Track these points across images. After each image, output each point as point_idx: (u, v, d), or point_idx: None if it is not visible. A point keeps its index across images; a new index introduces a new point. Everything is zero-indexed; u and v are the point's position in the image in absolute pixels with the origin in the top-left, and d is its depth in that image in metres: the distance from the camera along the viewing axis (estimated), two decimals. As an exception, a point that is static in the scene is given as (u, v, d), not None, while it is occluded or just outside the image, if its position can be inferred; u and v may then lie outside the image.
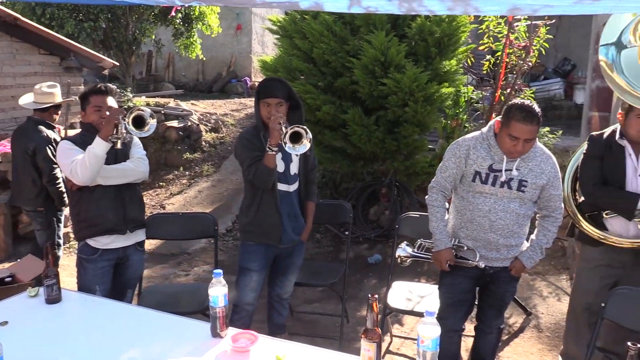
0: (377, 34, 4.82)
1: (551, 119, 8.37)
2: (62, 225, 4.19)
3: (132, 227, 2.81)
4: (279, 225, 2.87)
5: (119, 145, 2.60)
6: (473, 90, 5.67)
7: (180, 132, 8.06)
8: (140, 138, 2.76)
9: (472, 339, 2.99)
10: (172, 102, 8.90)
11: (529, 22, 4.71)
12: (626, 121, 2.69)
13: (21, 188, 4.03)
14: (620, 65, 2.74)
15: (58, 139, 3.92)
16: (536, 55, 4.94)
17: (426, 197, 2.75)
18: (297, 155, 2.87)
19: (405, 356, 3.43)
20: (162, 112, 8.22)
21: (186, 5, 2.13)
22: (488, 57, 5.12)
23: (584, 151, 2.86)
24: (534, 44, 4.81)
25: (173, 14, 9.70)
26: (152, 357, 1.94)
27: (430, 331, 1.69)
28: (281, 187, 2.87)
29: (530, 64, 4.97)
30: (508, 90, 4.98)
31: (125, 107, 7.17)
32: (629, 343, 1.55)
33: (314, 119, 5.17)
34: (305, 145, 2.59)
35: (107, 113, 2.63)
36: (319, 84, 5.30)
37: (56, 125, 4.18)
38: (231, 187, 7.13)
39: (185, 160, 7.89)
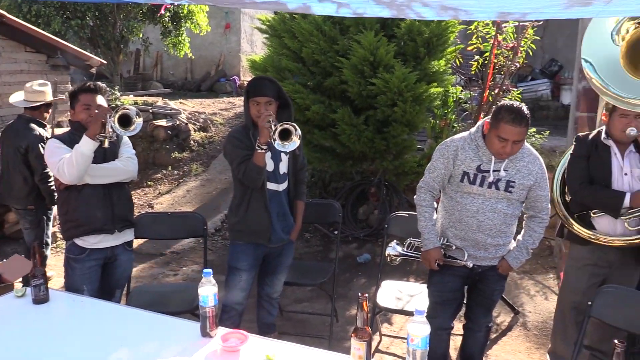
0: (366, 34, 4.84)
1: (538, 120, 8.45)
2: (51, 224, 4.18)
3: (121, 226, 2.79)
4: (268, 225, 2.86)
5: (106, 144, 2.58)
6: (461, 91, 5.70)
7: (168, 131, 8.02)
8: (129, 137, 2.74)
9: (460, 338, 3.01)
10: (160, 101, 8.84)
11: (516, 24, 4.75)
12: (610, 121, 2.75)
13: (11, 186, 4.00)
14: (598, 65, 2.77)
15: (50, 137, 3.90)
16: (524, 56, 4.98)
17: (414, 197, 2.76)
18: (286, 154, 2.88)
19: (394, 355, 3.44)
20: (150, 111, 8.17)
21: (176, 3, 2.12)
22: (476, 57, 5.15)
23: (571, 152, 2.91)
24: (521, 45, 4.85)
25: (162, 12, 9.64)
26: (142, 358, 1.93)
27: (420, 330, 1.70)
28: (270, 186, 2.86)
29: (517, 64, 5.01)
30: (496, 91, 5.02)
31: (113, 105, 7.11)
32: (615, 341, 1.57)
33: (303, 119, 5.17)
34: (295, 142, 2.60)
35: (96, 112, 2.61)
36: (308, 84, 5.30)
37: (46, 124, 4.17)
38: (220, 186, 7.11)
39: (174, 160, 7.84)
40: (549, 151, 6.12)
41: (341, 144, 5.17)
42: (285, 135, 2.58)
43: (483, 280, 2.72)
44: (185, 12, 10.34)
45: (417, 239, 2.94)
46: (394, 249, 3.03)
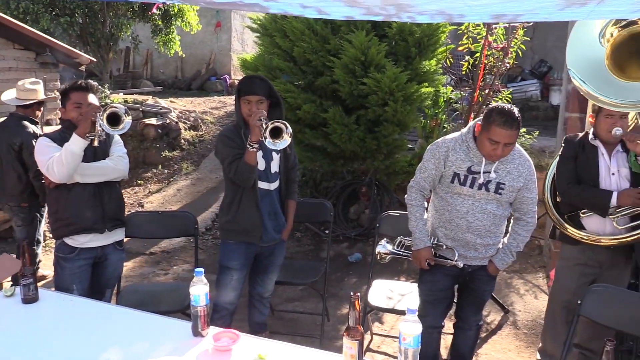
0: (357, 34, 4.84)
1: (528, 120, 8.50)
2: (44, 222, 4.18)
3: (111, 226, 2.77)
4: (260, 224, 2.86)
5: (96, 143, 2.56)
6: (452, 91, 5.73)
7: (158, 130, 7.98)
8: (119, 135, 2.73)
9: (451, 337, 3.02)
10: (150, 100, 8.79)
11: (507, 25, 4.78)
12: (596, 122, 2.78)
13: (5, 184, 4.00)
14: (583, 70, 2.80)
15: (46, 131, 3.91)
16: (514, 56, 5.02)
17: (405, 196, 2.77)
18: (277, 152, 2.87)
19: (385, 354, 3.45)
20: (141, 109, 8.12)
21: (168, 3, 2.11)
22: (467, 57, 5.18)
23: (559, 153, 2.94)
24: (511, 45, 4.88)
25: (154, 11, 9.59)
26: (133, 357, 1.92)
27: (411, 329, 1.70)
28: (262, 185, 2.86)
29: (508, 65, 5.04)
30: (486, 91, 5.05)
31: (103, 104, 7.07)
32: (605, 339, 1.59)
33: (295, 118, 5.17)
34: (286, 140, 2.59)
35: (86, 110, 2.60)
36: (299, 83, 5.30)
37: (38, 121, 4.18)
38: (211, 185, 7.09)
39: (164, 159, 7.81)
40: (539, 151, 6.17)
41: (332, 144, 5.17)
42: (276, 133, 2.58)
43: (473, 280, 2.73)
44: (175, 11, 10.29)
45: (407, 238, 2.95)
46: (384, 247, 3.04)
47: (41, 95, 4.14)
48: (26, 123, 3.99)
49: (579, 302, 2.37)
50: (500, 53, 4.92)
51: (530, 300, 4.25)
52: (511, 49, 4.90)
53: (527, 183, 2.57)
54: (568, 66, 2.81)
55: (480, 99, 5.07)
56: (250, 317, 3.16)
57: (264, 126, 2.54)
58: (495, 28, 4.84)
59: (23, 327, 2.15)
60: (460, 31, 5.00)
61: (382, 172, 5.54)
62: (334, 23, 5.20)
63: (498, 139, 2.39)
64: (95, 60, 8.27)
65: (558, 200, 2.98)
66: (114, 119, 2.54)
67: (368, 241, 5.42)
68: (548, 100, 10.02)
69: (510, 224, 2.71)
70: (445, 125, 5.71)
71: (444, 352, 3.23)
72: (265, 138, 2.54)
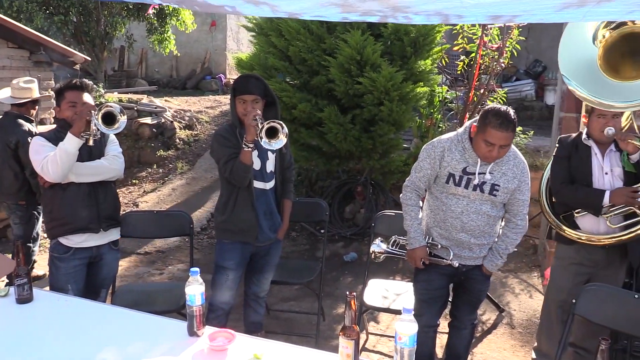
0: (353, 33, 4.84)
1: (523, 120, 8.48)
2: (41, 219, 4.19)
3: (106, 225, 2.76)
4: (255, 223, 2.85)
5: (91, 142, 2.55)
6: (447, 90, 5.74)
7: (153, 129, 7.96)
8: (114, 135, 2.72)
9: (446, 336, 3.03)
10: (145, 99, 8.77)
11: (501, 25, 4.79)
12: (589, 122, 2.81)
13: (1, 182, 4.02)
14: (575, 73, 2.81)
15: (40, 130, 3.93)
16: (509, 56, 5.04)
17: (400, 195, 2.77)
18: (273, 152, 2.87)
19: (381, 353, 3.46)
20: (135, 108, 8.10)
21: (164, 4, 2.10)
22: (462, 57, 5.19)
23: (554, 154, 2.96)
24: (506, 45, 4.90)
25: (150, 12, 9.55)
26: (128, 357, 1.91)
27: (407, 328, 1.70)
28: (257, 184, 2.85)
29: (503, 65, 5.06)
30: (481, 91, 5.07)
31: (97, 103, 7.04)
32: (600, 338, 1.59)
33: (290, 117, 5.17)
34: (282, 140, 2.58)
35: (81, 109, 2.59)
36: (294, 82, 5.29)
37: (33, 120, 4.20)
38: (206, 185, 7.07)
39: (159, 158, 7.78)
40: (533, 151, 6.19)
41: (328, 143, 5.17)
42: (272, 133, 2.57)
43: (468, 280, 2.73)
44: (170, 10, 10.26)
45: (401, 237, 2.95)
46: (378, 246, 3.04)
47: (35, 94, 4.15)
48: (21, 121, 4.01)
49: (573, 301, 2.38)
50: (496, 53, 4.94)
51: (525, 300, 4.26)
52: (506, 49, 4.91)
53: (520, 185, 2.57)
54: (560, 68, 2.83)
55: (475, 98, 5.09)
56: (246, 316, 3.16)
57: (260, 126, 2.54)
58: (491, 28, 4.85)
59: (17, 327, 2.13)
60: (456, 31, 5.01)
61: (377, 172, 5.54)
62: (330, 22, 5.20)
63: (494, 141, 2.39)
64: (89, 59, 8.22)
65: (554, 200, 2.99)
66: (110, 118, 2.53)
67: (363, 240, 5.43)
68: (543, 100, 10.05)
69: (501, 227, 2.72)
70: (441, 125, 5.72)
71: (439, 351, 3.24)
72: (261, 138, 2.53)
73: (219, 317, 2.91)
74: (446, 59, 5.73)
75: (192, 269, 2.02)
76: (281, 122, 2.58)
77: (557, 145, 2.97)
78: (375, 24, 5.17)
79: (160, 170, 7.58)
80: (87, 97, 2.70)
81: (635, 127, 2.97)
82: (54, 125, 2.80)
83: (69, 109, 2.65)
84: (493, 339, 3.69)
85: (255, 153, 2.78)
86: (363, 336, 3.58)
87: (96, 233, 2.73)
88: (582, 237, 2.81)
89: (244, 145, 2.65)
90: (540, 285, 4.47)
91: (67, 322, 2.19)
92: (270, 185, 2.92)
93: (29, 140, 3.80)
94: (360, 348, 1.96)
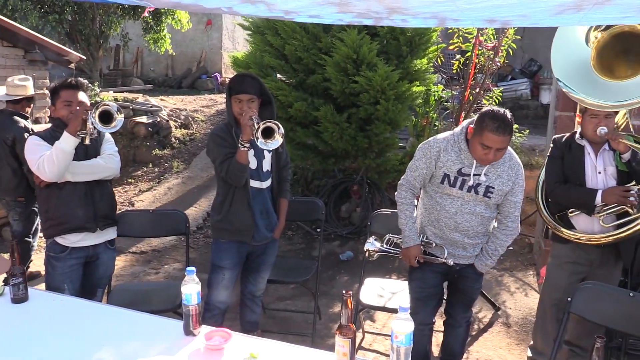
0: (349, 32, 4.85)
1: (518, 119, 8.47)
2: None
3: (103, 225, 2.75)
4: (252, 223, 2.85)
5: (87, 141, 2.55)
6: (443, 89, 5.75)
7: (149, 128, 7.94)
8: (110, 133, 2.71)
9: (442, 335, 3.03)
10: (140, 98, 8.75)
11: (497, 23, 4.80)
12: (582, 122, 2.82)
13: (0, 179, 4.02)
14: (569, 75, 2.83)
15: (35, 129, 3.95)
16: (504, 55, 5.05)
17: (395, 193, 2.78)
18: (269, 151, 2.87)
19: (377, 352, 3.46)
20: (131, 107, 8.08)
21: (158, 6, 2.11)
22: (458, 56, 5.20)
23: (548, 154, 2.97)
24: (502, 44, 4.91)
25: (146, 14, 9.52)
26: (124, 357, 1.91)
27: (403, 327, 1.71)
28: (254, 184, 2.85)
29: (498, 64, 5.07)
30: (477, 90, 5.08)
31: (93, 101, 7.02)
32: (596, 336, 1.60)
33: (286, 116, 5.17)
34: (278, 140, 2.59)
35: (77, 108, 2.58)
36: (290, 81, 5.29)
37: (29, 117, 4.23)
38: (201, 184, 7.06)
39: (155, 157, 7.77)
40: (529, 150, 6.21)
41: (324, 142, 5.18)
42: (268, 133, 2.57)
43: (462, 278, 2.74)
44: (166, 8, 10.24)
45: (395, 235, 2.96)
46: (372, 244, 3.04)
47: (30, 91, 4.18)
48: (17, 118, 4.03)
49: (569, 299, 2.39)
50: (491, 52, 4.95)
51: (521, 298, 4.28)
52: (501, 48, 4.93)
53: (514, 187, 2.57)
54: (554, 72, 2.84)
55: (471, 97, 5.10)
56: (242, 315, 3.16)
57: (256, 126, 2.54)
58: (486, 27, 4.86)
59: (12, 327, 2.12)
60: (451, 30, 5.02)
61: (373, 171, 5.55)
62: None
63: (490, 144, 2.39)
64: (84, 58, 8.20)
65: (550, 200, 3.00)
66: (106, 117, 2.53)
67: (359, 239, 5.43)
68: (538, 99, 10.07)
69: (492, 228, 2.72)
70: (436, 124, 5.73)
71: (435, 349, 3.24)
72: (257, 138, 2.53)
73: (215, 317, 2.90)
74: (442, 58, 5.74)
75: (188, 268, 2.02)
76: (277, 122, 2.58)
77: (551, 145, 2.99)
78: (371, 23, 5.18)
79: (156, 169, 7.56)
80: (83, 96, 2.69)
81: (631, 126, 2.99)
82: (49, 125, 2.79)
83: (64, 108, 2.64)
84: (489, 337, 3.70)
85: (251, 152, 2.78)
86: (359, 335, 3.58)
87: (92, 232, 2.72)
88: (580, 237, 2.82)
89: (240, 145, 2.65)
90: (535, 283, 4.49)
91: (62, 321, 2.19)
92: (266, 184, 2.92)
93: (26, 136, 3.82)
94: (356, 347, 1.97)
